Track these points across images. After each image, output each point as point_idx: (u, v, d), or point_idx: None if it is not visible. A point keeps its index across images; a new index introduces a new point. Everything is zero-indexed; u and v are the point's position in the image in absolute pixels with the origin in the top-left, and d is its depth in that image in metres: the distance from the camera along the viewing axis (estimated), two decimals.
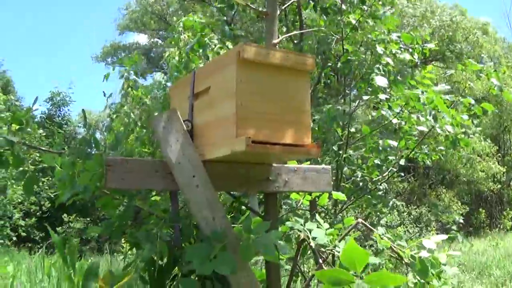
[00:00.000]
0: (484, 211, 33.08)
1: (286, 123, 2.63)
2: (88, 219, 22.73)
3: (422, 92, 5.07)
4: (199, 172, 2.73)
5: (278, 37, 3.54)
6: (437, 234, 3.63)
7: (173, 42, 6.87)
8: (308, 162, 3.56)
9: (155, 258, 2.80)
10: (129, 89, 6.86)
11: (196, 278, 2.76)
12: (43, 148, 3.23)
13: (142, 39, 41.80)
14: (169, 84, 6.88)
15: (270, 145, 2.52)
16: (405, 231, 19.13)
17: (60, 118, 26.91)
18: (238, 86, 2.49)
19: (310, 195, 3.64)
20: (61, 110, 27.33)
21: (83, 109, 3.40)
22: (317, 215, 3.29)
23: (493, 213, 33.93)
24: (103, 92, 6.22)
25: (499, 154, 36.25)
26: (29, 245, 20.34)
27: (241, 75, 2.50)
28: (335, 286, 2.14)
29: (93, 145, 2.89)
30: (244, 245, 2.59)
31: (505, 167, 35.02)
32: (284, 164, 3.11)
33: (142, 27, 39.18)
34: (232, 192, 3.50)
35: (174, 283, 2.92)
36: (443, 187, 31.99)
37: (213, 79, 2.74)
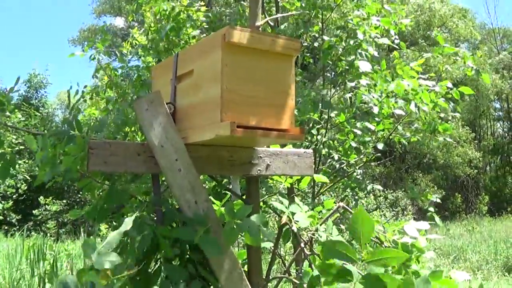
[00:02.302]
0: (460, 195, 33.40)
1: (271, 108, 2.63)
2: (64, 201, 22.61)
3: (408, 85, 5.09)
4: (181, 155, 2.73)
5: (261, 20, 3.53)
6: (414, 218, 3.63)
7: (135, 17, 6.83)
8: (291, 146, 3.55)
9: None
10: (101, 72, 6.81)
11: (179, 263, 2.76)
12: (24, 129, 3.20)
13: (119, 22, 41.57)
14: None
15: (254, 129, 2.52)
16: (381, 215, 19.27)
17: (37, 101, 26.71)
18: (223, 70, 2.48)
19: (292, 178, 3.65)
20: (38, 92, 27.14)
21: (68, 90, 3.38)
22: (296, 198, 3.29)
23: (469, 198, 34.27)
24: (69, 88, 6.15)
25: (476, 140, 36.58)
26: (6, 228, 20.23)
27: (226, 59, 2.49)
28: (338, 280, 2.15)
29: (75, 127, 2.87)
30: (228, 229, 2.60)
31: (481, 152, 35.35)
32: (266, 148, 3.12)
33: (118, 11, 39.02)
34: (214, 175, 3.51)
35: (157, 266, 2.91)
36: (420, 171, 32.22)
37: (197, 62, 2.73)
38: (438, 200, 6.16)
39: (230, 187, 3.35)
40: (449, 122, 5.68)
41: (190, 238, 2.55)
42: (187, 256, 2.79)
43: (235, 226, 2.59)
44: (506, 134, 44.68)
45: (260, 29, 3.43)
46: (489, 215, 31.16)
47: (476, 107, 38.16)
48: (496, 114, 45.09)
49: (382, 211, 20.63)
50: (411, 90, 5.04)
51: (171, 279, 2.62)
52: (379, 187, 7.02)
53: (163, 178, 3.00)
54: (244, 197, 3.22)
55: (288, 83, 2.72)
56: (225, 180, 3.49)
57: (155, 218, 2.85)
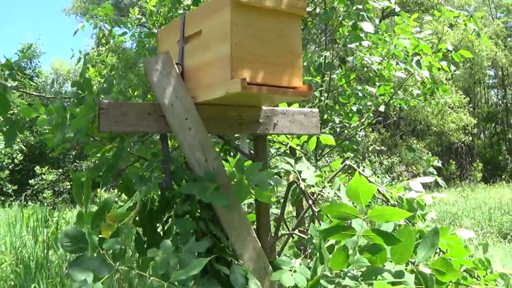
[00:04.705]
0: (454, 162, 33.53)
1: (280, 66, 2.66)
2: (60, 170, 22.65)
3: (405, 38, 5.12)
4: (191, 114, 2.76)
5: None
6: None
7: None
8: (297, 105, 3.57)
9: (145, 200, 2.82)
10: (103, 38, 6.80)
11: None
12: (36, 94, 3.23)
13: None
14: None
15: (264, 86, 2.55)
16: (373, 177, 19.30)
17: (31, 70, 26.62)
18: (233, 29, 2.50)
19: (299, 139, 3.69)
20: (32, 62, 27.02)
21: (80, 50, 3.39)
22: (303, 157, 3.34)
23: (463, 165, 34.41)
24: (72, 50, 6.17)
25: (470, 105, 36.61)
26: (2, 198, 20.26)
27: (235, 18, 2.52)
28: (340, 220, 2.21)
29: (85, 89, 2.89)
30: (238, 185, 2.64)
31: (476, 119, 35.41)
32: (273, 107, 3.16)
33: None
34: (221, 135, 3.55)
35: (166, 226, 2.95)
36: (414, 138, 32.30)
37: (205, 22, 2.75)
38: (439, 165, 6.22)
39: (239, 146, 3.39)
40: (450, 89, 5.74)
41: (200, 193, 2.58)
42: (198, 214, 2.83)
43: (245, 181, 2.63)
44: (501, 102, 44.83)
45: None
46: (483, 182, 31.34)
47: (470, 75, 38.18)
48: (491, 81, 45.24)
49: (378, 177, 20.71)
50: (412, 43, 5.07)
51: (181, 233, 2.66)
52: (382, 148, 7.07)
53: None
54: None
55: (296, 42, 2.75)
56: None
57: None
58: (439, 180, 4.92)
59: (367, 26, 5.12)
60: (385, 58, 5.32)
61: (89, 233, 2.28)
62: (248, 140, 3.39)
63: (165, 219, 2.98)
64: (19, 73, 3.07)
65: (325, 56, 5.51)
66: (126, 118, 2.71)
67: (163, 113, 2.77)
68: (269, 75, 2.61)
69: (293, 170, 3.16)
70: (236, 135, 3.74)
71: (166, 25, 3.54)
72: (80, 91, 2.90)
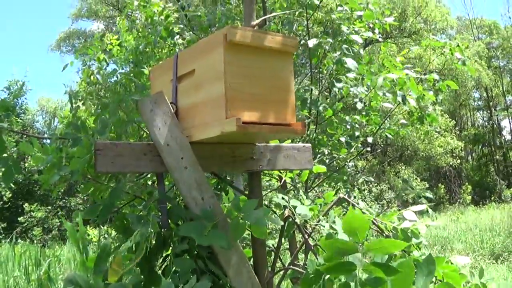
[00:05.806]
0: (443, 186, 33.58)
1: (273, 103, 2.70)
2: (49, 208, 22.52)
3: (395, 79, 5.19)
4: (187, 153, 2.79)
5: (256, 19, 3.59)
6: (399, 209, 3.73)
7: (125, 26, 6.86)
8: (289, 141, 3.61)
9: (143, 241, 2.82)
10: (91, 76, 6.86)
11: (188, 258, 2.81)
12: (29, 134, 3.24)
13: (95, 27, 41.60)
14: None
15: (259, 125, 2.59)
16: (366, 209, 19.28)
17: (17, 107, 26.53)
18: (226, 68, 2.54)
19: (291, 172, 3.72)
20: (18, 99, 26.96)
21: (69, 93, 3.42)
22: (301, 191, 3.37)
23: (452, 188, 34.47)
24: (64, 85, 6.23)
25: (457, 128, 36.76)
26: None
27: (228, 58, 2.55)
28: (338, 255, 2.23)
29: (81, 130, 2.92)
30: (234, 223, 2.66)
31: (463, 142, 35.55)
32: (266, 143, 3.19)
33: (94, 16, 38.91)
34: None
35: (164, 264, 2.96)
36: (402, 163, 32.36)
37: (198, 62, 2.79)
38: (430, 195, 6.28)
39: (233, 182, 3.41)
40: (436, 113, 5.79)
41: (198, 235, 2.60)
42: (196, 252, 2.85)
43: (241, 220, 2.65)
44: (487, 123, 45.09)
45: (255, 27, 3.49)
46: (473, 204, 31.39)
47: (455, 98, 38.42)
48: (476, 104, 45.61)
49: (368, 204, 20.72)
50: (399, 80, 5.14)
51: (180, 272, 2.67)
52: (371, 179, 7.12)
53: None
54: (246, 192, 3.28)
55: (288, 79, 2.79)
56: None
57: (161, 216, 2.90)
58: (429, 210, 4.97)
59: (350, 62, 5.19)
60: (372, 89, 5.37)
61: (96, 280, 2.29)
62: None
63: (162, 258, 2.99)
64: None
65: (311, 90, 5.57)
66: (122, 159, 2.72)
67: (158, 153, 2.80)
68: (263, 113, 2.64)
69: (288, 205, 3.18)
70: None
71: (159, 64, 3.57)
72: (75, 132, 2.92)
